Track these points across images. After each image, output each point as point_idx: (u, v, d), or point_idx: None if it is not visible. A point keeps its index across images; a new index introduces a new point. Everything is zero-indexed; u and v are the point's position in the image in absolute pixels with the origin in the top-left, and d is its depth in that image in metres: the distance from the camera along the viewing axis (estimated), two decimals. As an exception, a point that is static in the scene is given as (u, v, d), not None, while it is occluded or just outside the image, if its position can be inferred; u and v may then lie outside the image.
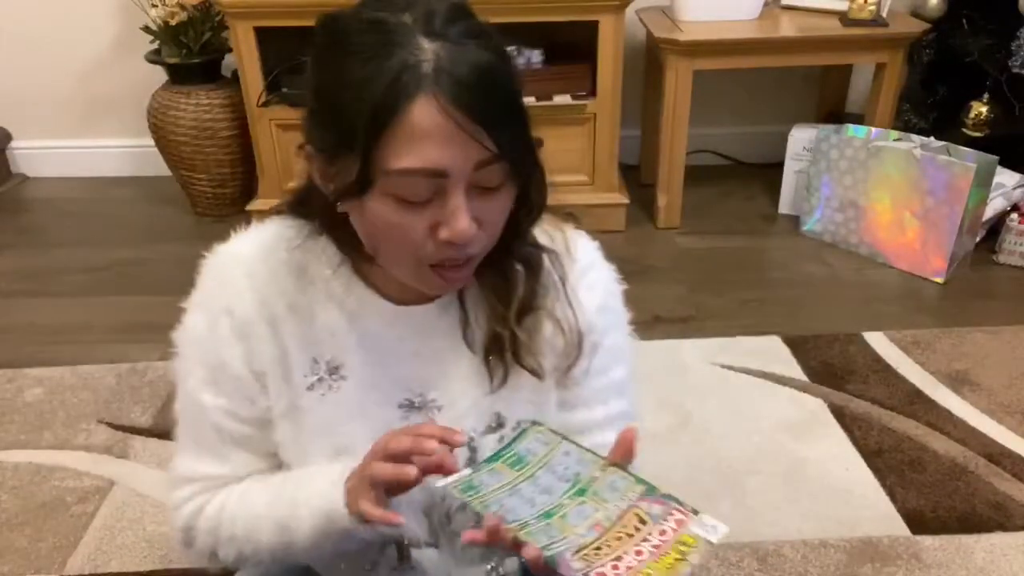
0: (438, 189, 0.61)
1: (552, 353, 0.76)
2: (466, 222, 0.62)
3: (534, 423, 0.72)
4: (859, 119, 2.37)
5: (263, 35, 2.18)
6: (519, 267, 0.73)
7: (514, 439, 0.71)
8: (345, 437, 0.73)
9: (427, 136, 0.59)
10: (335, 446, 0.73)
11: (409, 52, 0.58)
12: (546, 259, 0.75)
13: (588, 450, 0.69)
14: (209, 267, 0.75)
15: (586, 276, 0.78)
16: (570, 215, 0.80)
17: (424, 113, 0.58)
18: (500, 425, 0.76)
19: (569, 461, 0.68)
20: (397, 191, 0.61)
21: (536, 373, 0.74)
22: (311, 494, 0.71)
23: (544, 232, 0.76)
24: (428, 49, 0.58)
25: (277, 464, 0.77)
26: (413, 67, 0.58)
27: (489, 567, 0.84)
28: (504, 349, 0.73)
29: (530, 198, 0.69)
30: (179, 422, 0.80)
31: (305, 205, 0.72)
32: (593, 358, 0.79)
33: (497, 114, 0.60)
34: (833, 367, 1.77)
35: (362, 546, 0.75)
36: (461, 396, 0.75)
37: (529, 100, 2.22)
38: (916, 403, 1.65)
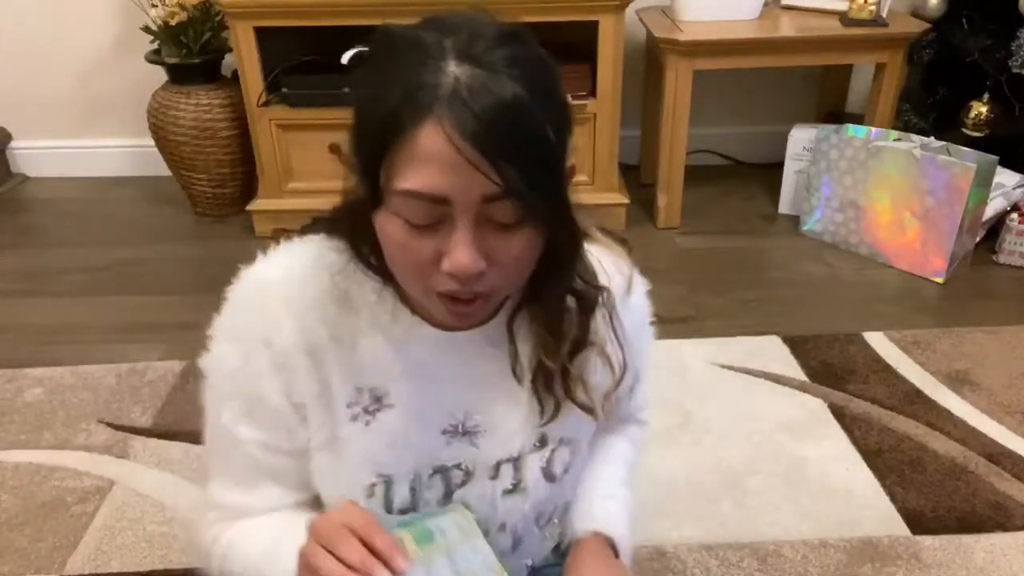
0: (444, 216, 0.59)
1: (599, 389, 0.76)
2: (467, 256, 0.59)
3: (465, 506, 0.72)
4: (859, 119, 2.38)
5: (263, 35, 2.18)
6: (571, 303, 0.71)
7: (436, 513, 0.70)
8: (386, 466, 0.72)
9: (430, 160, 0.57)
10: (376, 473, 0.72)
11: (432, 73, 0.56)
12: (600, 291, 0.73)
13: (498, 559, 0.68)
14: (240, 294, 0.71)
15: (629, 305, 0.79)
16: (624, 241, 0.80)
17: (429, 137, 0.56)
18: (543, 444, 0.76)
19: (474, 561, 0.66)
20: (402, 212, 0.59)
21: (589, 410, 0.74)
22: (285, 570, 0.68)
23: (606, 260, 0.76)
24: (452, 73, 0.56)
25: (309, 495, 0.76)
26: (430, 88, 0.56)
27: None
28: (554, 383, 0.72)
29: (558, 247, 0.65)
30: (210, 451, 0.77)
31: (343, 223, 0.68)
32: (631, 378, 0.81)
33: (510, 149, 0.56)
34: (833, 367, 1.77)
35: None
36: (505, 420, 0.74)
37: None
38: (916, 403, 1.65)
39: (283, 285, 0.69)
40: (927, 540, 1.34)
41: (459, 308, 0.63)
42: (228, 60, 2.40)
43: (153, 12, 2.28)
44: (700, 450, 1.53)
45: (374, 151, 0.59)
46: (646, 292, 0.82)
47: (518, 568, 0.82)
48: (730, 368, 1.77)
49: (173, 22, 2.26)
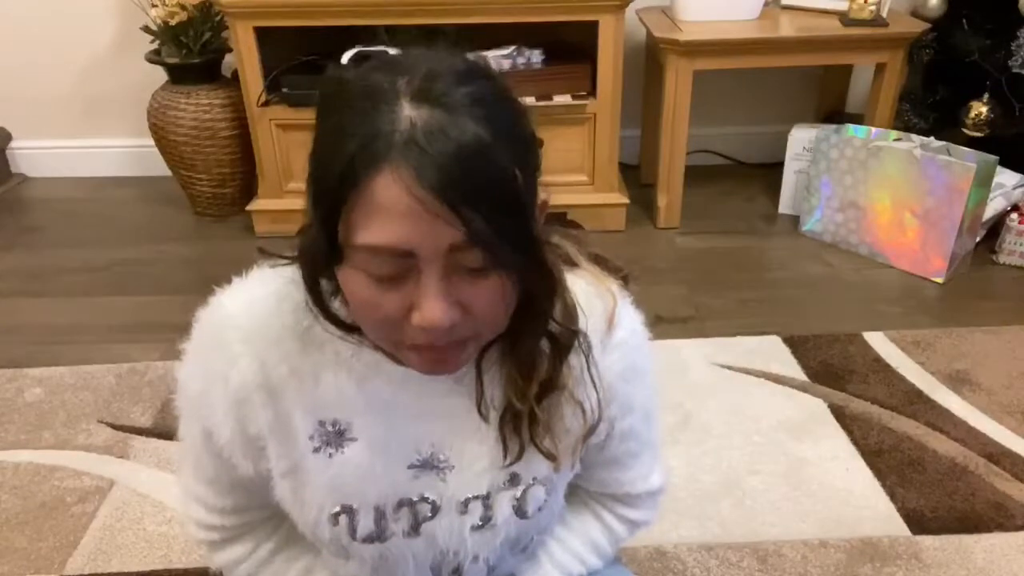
0: (410, 268, 0.56)
1: (570, 434, 0.72)
2: (439, 309, 0.56)
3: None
4: (859, 119, 2.37)
5: (263, 35, 2.18)
6: (544, 344, 0.67)
7: None
8: (352, 498, 0.71)
9: (389, 213, 0.53)
10: (339, 504, 0.71)
11: (386, 119, 0.53)
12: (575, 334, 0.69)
13: None
14: (205, 324, 0.69)
15: (612, 342, 0.72)
16: (620, 270, 0.75)
17: (387, 188, 0.53)
18: (515, 483, 0.73)
19: None
20: (365, 267, 0.57)
21: (551, 458, 0.71)
22: None
23: (588, 296, 0.70)
24: (407, 117, 0.53)
25: (277, 509, 0.76)
26: (385, 136, 0.53)
27: None
28: (521, 425, 0.69)
29: (533, 290, 0.62)
30: (181, 449, 0.77)
31: (304, 271, 0.65)
32: (621, 422, 0.76)
33: (472, 195, 0.53)
34: (833, 367, 1.77)
35: None
36: (476, 459, 0.72)
37: (528, 100, 2.23)
38: (916, 403, 1.65)
39: (244, 321, 0.67)
40: (927, 540, 1.34)
41: (434, 356, 0.61)
42: (228, 60, 2.40)
43: (153, 12, 2.28)
44: (700, 450, 1.53)
45: (330, 206, 0.56)
46: (639, 332, 0.75)
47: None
48: (730, 368, 1.77)
49: (173, 22, 2.25)
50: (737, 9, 2.31)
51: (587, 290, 0.71)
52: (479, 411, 0.69)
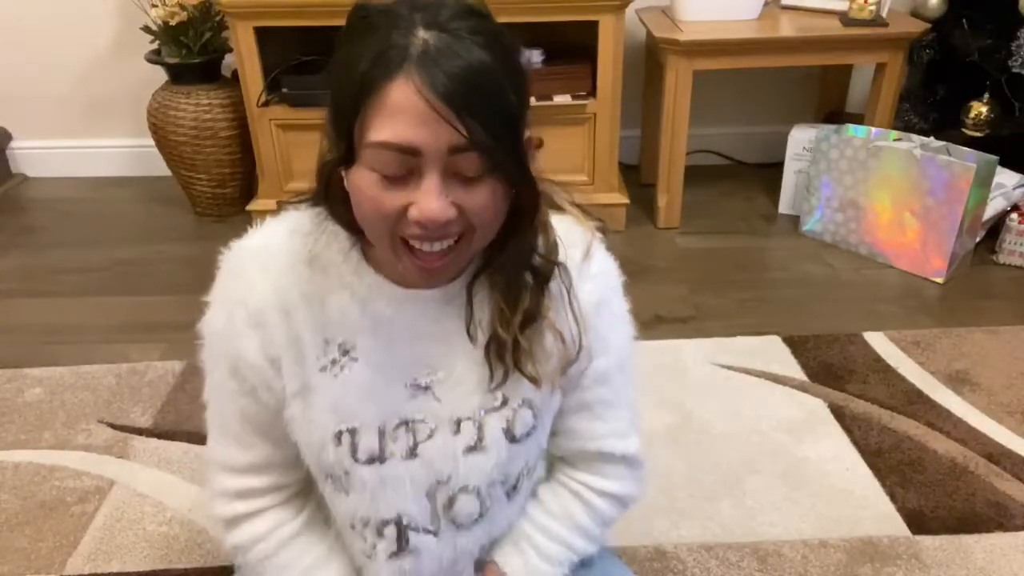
0: (414, 169, 0.63)
1: (551, 360, 0.78)
2: (435, 203, 0.63)
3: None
4: (859, 119, 2.37)
5: (263, 35, 2.18)
6: (528, 276, 0.74)
7: None
8: (353, 416, 0.77)
9: (401, 113, 0.61)
10: (343, 424, 0.77)
11: (402, 37, 0.62)
12: (557, 268, 0.76)
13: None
14: (225, 262, 0.78)
15: (587, 273, 0.79)
16: (601, 222, 0.82)
17: (401, 91, 0.61)
18: (504, 404, 0.79)
19: None
20: (374, 165, 0.64)
21: (534, 380, 0.77)
22: None
23: (569, 231, 0.78)
24: (421, 38, 0.61)
25: (296, 452, 0.81)
26: (401, 49, 0.61)
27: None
28: (505, 352, 0.76)
29: (520, 207, 0.70)
30: (208, 409, 0.83)
31: (319, 192, 0.74)
32: (594, 363, 0.81)
33: (475, 105, 0.61)
34: (833, 367, 1.77)
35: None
36: (466, 377, 0.78)
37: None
38: (916, 403, 1.65)
39: (260, 251, 0.77)
40: (927, 540, 1.34)
41: (428, 259, 0.67)
42: (228, 60, 2.40)
43: (153, 12, 2.28)
44: (700, 450, 1.53)
45: (349, 110, 0.64)
46: (612, 272, 0.82)
47: (472, 546, 0.84)
48: (730, 368, 1.77)
49: (173, 22, 2.25)
50: (737, 9, 2.31)
51: (568, 227, 0.78)
52: (468, 332, 0.76)
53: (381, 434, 0.77)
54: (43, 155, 2.83)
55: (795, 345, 1.84)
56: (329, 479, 0.80)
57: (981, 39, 2.22)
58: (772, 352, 1.82)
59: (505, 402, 0.78)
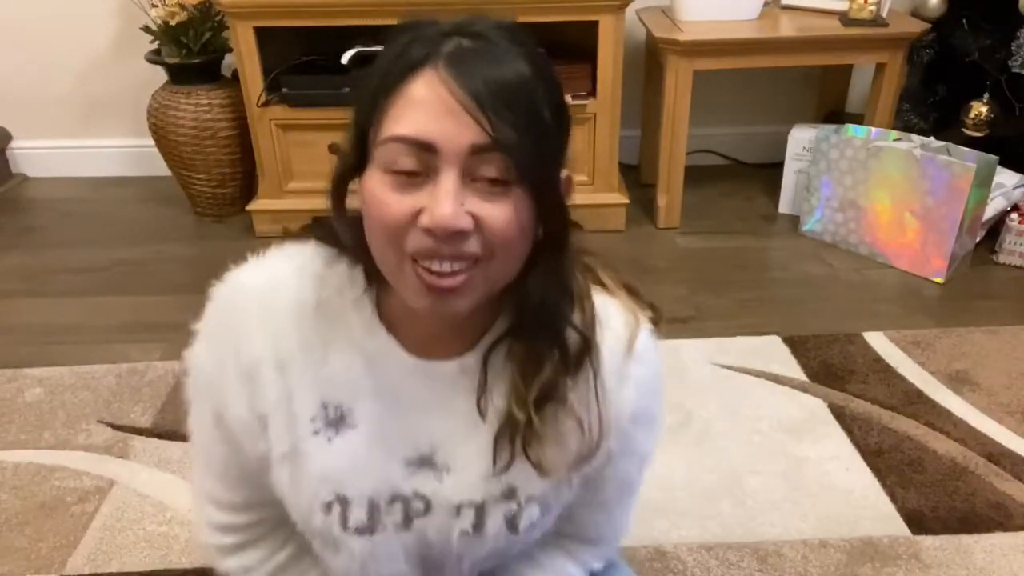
0: (429, 169, 0.57)
1: (565, 451, 0.70)
2: (450, 207, 0.56)
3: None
4: (859, 119, 2.38)
5: (263, 35, 2.18)
6: (554, 350, 0.66)
7: None
8: (347, 488, 0.70)
9: (422, 105, 0.56)
10: (334, 493, 0.70)
11: (438, 38, 0.58)
12: (588, 346, 0.68)
13: None
14: (220, 296, 0.70)
15: (630, 376, 0.70)
16: (653, 307, 0.73)
17: (425, 84, 0.57)
18: (511, 496, 0.72)
19: None
20: (386, 163, 0.58)
21: (541, 470, 0.69)
22: None
23: (609, 313, 0.70)
24: (456, 39, 0.58)
25: (281, 509, 0.76)
26: (432, 47, 0.57)
27: None
28: (516, 432, 0.68)
29: (551, 230, 0.62)
30: (192, 442, 0.77)
31: (328, 227, 0.67)
32: (617, 463, 0.75)
33: (505, 105, 0.56)
34: (833, 367, 1.77)
35: None
36: (473, 463, 0.70)
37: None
38: (916, 403, 1.65)
39: (261, 292, 0.68)
40: (927, 540, 1.33)
41: (436, 278, 0.59)
42: (228, 60, 2.40)
43: (153, 12, 2.28)
44: (700, 450, 1.53)
45: (366, 110, 0.59)
46: (657, 375, 0.73)
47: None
48: (730, 368, 1.77)
49: (173, 22, 2.25)
50: (737, 9, 2.31)
51: (610, 309, 0.70)
52: (478, 405, 0.68)
53: (374, 507, 0.71)
54: (43, 155, 2.83)
55: (795, 345, 1.84)
56: (318, 538, 0.74)
57: (981, 39, 2.22)
58: (772, 352, 1.82)
59: (512, 494, 0.71)
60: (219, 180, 2.46)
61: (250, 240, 2.35)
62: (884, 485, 1.45)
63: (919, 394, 1.68)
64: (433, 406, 0.70)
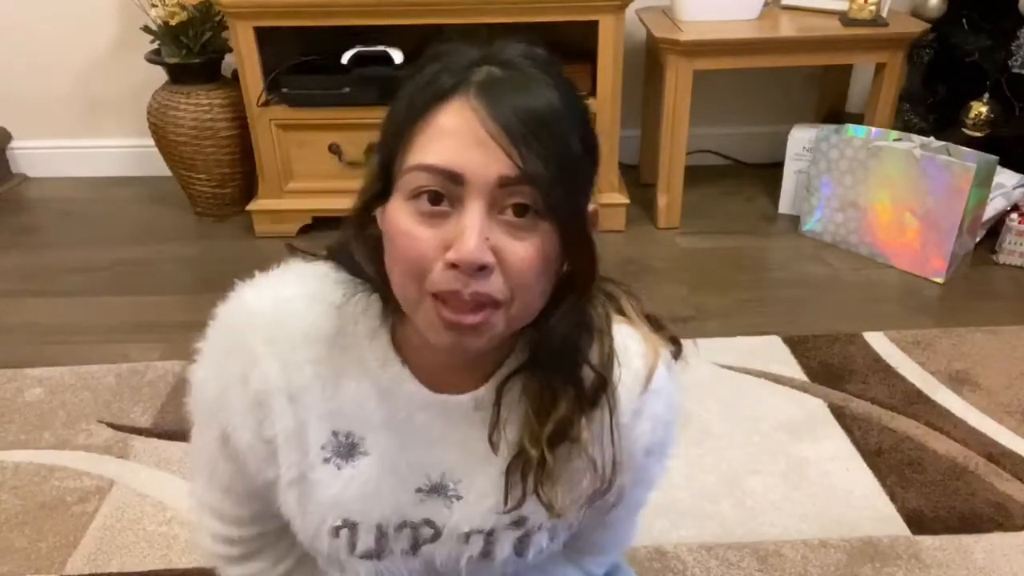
0: (455, 201, 0.56)
1: (577, 490, 0.70)
2: (476, 243, 0.54)
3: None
4: (859, 119, 2.37)
5: (263, 35, 2.18)
6: (569, 387, 0.65)
7: None
8: (355, 514, 0.70)
9: (451, 135, 0.55)
10: (343, 520, 0.70)
11: (468, 67, 0.57)
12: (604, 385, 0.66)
13: None
14: (225, 321, 0.68)
15: (645, 411, 0.70)
16: (675, 339, 0.73)
17: (454, 113, 0.56)
18: (521, 525, 0.71)
19: None
20: (411, 194, 0.57)
21: (550, 509, 0.68)
22: None
23: (627, 345, 0.68)
24: (486, 68, 0.57)
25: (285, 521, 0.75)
26: (463, 75, 0.57)
27: None
28: (529, 469, 0.67)
29: (577, 267, 0.61)
30: (192, 453, 0.75)
31: (346, 250, 0.66)
32: (627, 495, 0.74)
33: (535, 138, 0.55)
34: (833, 367, 1.77)
35: None
36: (485, 495, 0.70)
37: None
38: (916, 403, 1.65)
39: (271, 319, 0.66)
40: (927, 540, 1.33)
41: (457, 315, 0.57)
42: (228, 60, 2.40)
43: (153, 12, 2.28)
44: (700, 450, 1.53)
45: (394, 137, 0.58)
46: (673, 410, 0.72)
47: None
48: (730, 368, 1.77)
49: (173, 22, 2.25)
50: (737, 9, 2.31)
51: (630, 344, 0.69)
52: (490, 439, 0.67)
53: (382, 533, 0.71)
54: (43, 155, 2.83)
55: (795, 345, 1.84)
56: (324, 558, 0.74)
57: (981, 39, 2.22)
58: (772, 352, 1.82)
59: (522, 522, 0.71)
60: (219, 180, 2.45)
61: (250, 240, 2.35)
62: (884, 485, 1.45)
63: (919, 394, 1.68)
64: (446, 438, 0.69)
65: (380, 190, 0.60)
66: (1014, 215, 2.17)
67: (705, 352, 1.81)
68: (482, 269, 0.55)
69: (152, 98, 2.42)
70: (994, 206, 2.20)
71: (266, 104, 2.25)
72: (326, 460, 0.68)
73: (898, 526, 1.36)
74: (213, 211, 2.51)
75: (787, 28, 2.31)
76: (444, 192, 0.56)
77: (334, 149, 2.26)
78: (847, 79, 2.71)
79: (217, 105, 2.37)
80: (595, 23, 2.16)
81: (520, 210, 0.56)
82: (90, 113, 2.78)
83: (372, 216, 0.62)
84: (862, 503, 1.41)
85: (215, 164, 2.42)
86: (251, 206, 2.36)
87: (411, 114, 0.57)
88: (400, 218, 0.57)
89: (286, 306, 0.66)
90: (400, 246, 0.58)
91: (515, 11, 2.08)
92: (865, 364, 1.78)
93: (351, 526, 0.70)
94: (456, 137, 0.55)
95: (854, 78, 2.70)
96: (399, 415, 0.68)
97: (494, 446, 0.68)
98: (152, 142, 2.48)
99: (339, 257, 0.67)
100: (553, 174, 0.55)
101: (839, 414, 1.63)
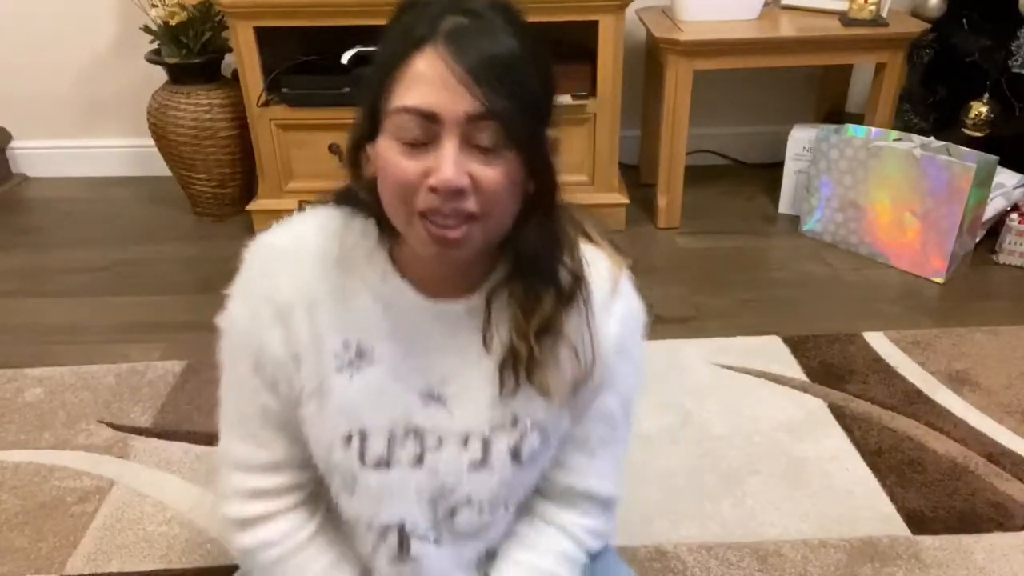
0: (433, 136, 0.65)
1: (564, 375, 0.78)
2: (452, 170, 0.65)
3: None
4: (859, 119, 2.38)
5: (263, 35, 2.18)
6: (550, 289, 0.75)
7: None
8: (364, 418, 0.77)
9: (425, 80, 0.65)
10: (353, 426, 0.77)
11: (436, 18, 0.65)
12: (579, 282, 0.77)
13: None
14: (250, 257, 0.79)
15: (615, 311, 0.79)
16: (630, 259, 0.82)
17: (426, 61, 0.65)
18: (514, 425, 0.79)
19: None
20: (396, 132, 0.66)
21: (543, 392, 0.77)
22: None
23: (597, 261, 0.79)
24: (453, 20, 0.65)
25: (313, 482, 0.82)
26: (432, 26, 0.65)
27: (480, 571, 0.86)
28: (520, 362, 0.76)
29: (540, 186, 0.72)
30: (224, 406, 0.83)
31: (347, 192, 0.77)
32: (601, 398, 0.82)
33: (497, 79, 0.64)
34: (833, 367, 1.77)
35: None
36: (478, 392, 0.78)
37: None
38: (916, 403, 1.65)
39: (288, 249, 0.77)
40: (927, 540, 1.34)
41: (441, 230, 0.67)
42: (228, 60, 2.40)
43: (153, 12, 2.28)
44: (700, 450, 1.53)
45: (376, 85, 0.68)
46: (638, 312, 0.82)
47: (471, 559, 0.85)
48: (730, 368, 1.77)
49: (173, 22, 2.26)
50: (737, 9, 2.31)
51: (596, 256, 0.79)
52: (484, 342, 0.77)
53: (390, 440, 0.78)
54: (43, 155, 2.83)
55: (795, 345, 1.84)
56: (338, 475, 0.80)
57: (981, 39, 2.22)
58: (772, 352, 1.82)
59: (515, 422, 0.79)
60: (219, 180, 2.46)
61: (250, 240, 2.34)
62: (884, 485, 1.45)
63: (919, 394, 1.68)
64: (444, 346, 0.78)
65: (369, 130, 0.70)
66: (1014, 215, 2.17)
67: (705, 352, 1.82)
68: (459, 192, 0.66)
69: (152, 98, 2.42)
70: (994, 206, 2.20)
71: (266, 104, 2.25)
72: (339, 369, 0.76)
73: (898, 526, 1.36)
74: (213, 211, 2.51)
75: (787, 28, 2.31)
76: (424, 129, 0.65)
77: (334, 149, 2.26)
78: (847, 79, 2.71)
79: (217, 105, 2.37)
80: (595, 23, 2.16)
81: (488, 141, 0.66)
82: (90, 113, 2.78)
83: (363, 154, 0.72)
84: (862, 503, 1.41)
85: (215, 164, 2.42)
86: (251, 206, 2.36)
87: (390, 62, 0.66)
88: (388, 153, 0.67)
89: (299, 238, 0.78)
90: (390, 175, 0.68)
91: (515, 11, 2.08)
92: (865, 364, 1.78)
93: (361, 434, 0.77)
94: (429, 81, 0.64)
95: (854, 78, 2.70)
96: (402, 324, 0.77)
97: (487, 345, 0.77)
98: (152, 142, 2.48)
99: (341, 199, 0.79)
100: (514, 110, 0.65)
101: (839, 414, 1.63)
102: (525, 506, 0.88)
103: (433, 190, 0.66)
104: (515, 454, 0.79)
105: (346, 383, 0.76)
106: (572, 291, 0.76)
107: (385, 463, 0.78)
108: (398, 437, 0.78)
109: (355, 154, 0.73)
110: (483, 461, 0.79)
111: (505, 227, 0.71)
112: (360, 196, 0.75)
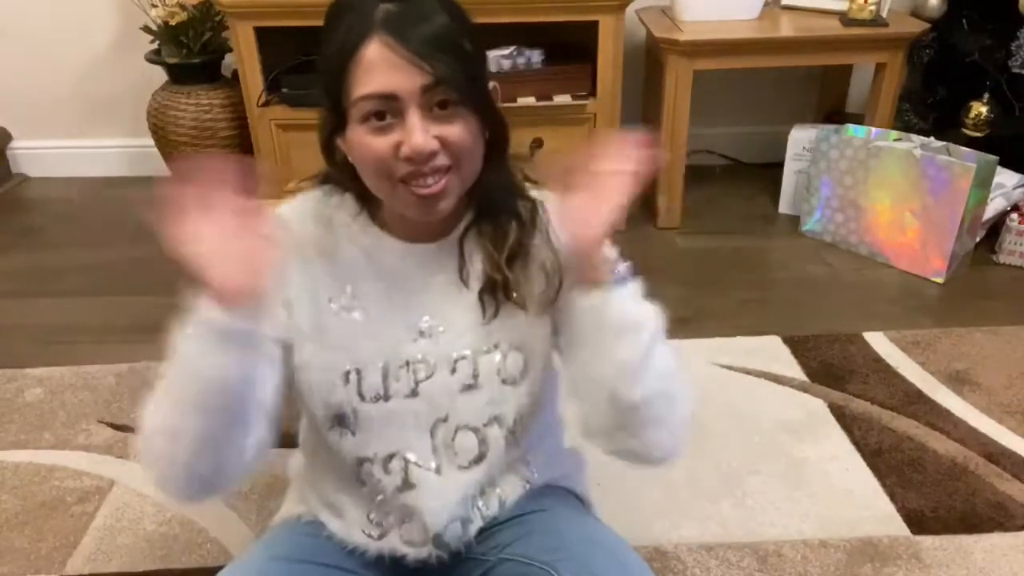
0: (396, 113, 0.74)
1: (537, 288, 0.87)
2: (420, 137, 0.74)
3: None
4: (859, 119, 2.38)
5: (263, 35, 2.18)
6: (512, 223, 0.86)
7: None
8: (360, 355, 0.85)
9: (376, 67, 0.73)
10: (351, 362, 0.85)
11: (368, 11, 0.74)
12: (536, 208, 0.88)
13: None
14: None
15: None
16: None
17: (373, 50, 0.73)
18: (496, 348, 0.87)
19: None
20: (362, 118, 0.75)
21: (521, 306, 0.86)
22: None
23: (546, 194, 0.89)
24: (381, 7, 0.74)
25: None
26: (368, 18, 0.73)
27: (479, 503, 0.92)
28: (497, 288, 0.86)
29: (494, 132, 0.81)
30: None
31: (329, 175, 0.89)
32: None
33: (437, 48, 0.73)
34: (833, 367, 1.77)
35: (246, 355, 0.78)
36: (460, 322, 0.87)
37: (529, 100, 2.23)
38: (916, 403, 1.65)
39: (281, 215, 0.88)
40: (927, 540, 1.34)
41: (423, 190, 0.76)
42: (228, 60, 2.40)
43: (153, 12, 2.28)
44: (700, 450, 1.53)
45: (334, 83, 0.76)
46: None
47: (468, 486, 0.89)
48: (730, 368, 1.77)
49: (173, 22, 2.26)
50: (737, 9, 2.31)
51: (544, 193, 0.89)
52: (460, 277, 0.86)
53: (385, 374, 0.85)
54: (43, 155, 2.83)
55: (795, 345, 1.84)
56: (336, 424, 0.87)
57: (981, 39, 2.22)
58: (772, 352, 1.82)
59: (496, 345, 0.87)
60: (219, 180, 2.45)
61: (250, 240, 2.34)
62: (884, 485, 1.45)
63: (919, 394, 1.68)
64: (424, 282, 0.87)
65: (336, 123, 0.79)
66: (1014, 215, 2.17)
67: (705, 352, 1.82)
68: (432, 154, 0.75)
69: (152, 98, 2.42)
70: (994, 206, 2.20)
71: (266, 104, 2.25)
72: (335, 312, 0.86)
73: (898, 526, 1.36)
74: (213, 211, 2.51)
75: (787, 28, 2.31)
76: (386, 109, 0.74)
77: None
78: (847, 79, 2.71)
79: (217, 105, 2.37)
80: (595, 23, 2.16)
81: (443, 105, 0.75)
82: (90, 113, 2.78)
83: (335, 145, 0.81)
84: (862, 503, 1.41)
85: (215, 164, 2.42)
86: (251, 206, 2.36)
87: (341, 60, 0.75)
88: (360, 137, 0.76)
89: (294, 207, 0.90)
90: (365, 156, 0.77)
91: (515, 11, 2.08)
92: (865, 364, 1.78)
93: (358, 371, 0.85)
94: (380, 67, 0.73)
95: (854, 78, 2.70)
96: (384, 267, 0.87)
97: (465, 283, 0.87)
98: (152, 142, 2.48)
99: (324, 179, 0.90)
100: (459, 74, 0.74)
101: (839, 414, 1.63)
102: (527, 441, 0.92)
103: (408, 159, 0.75)
104: (501, 373, 0.87)
105: (341, 322, 0.85)
106: (533, 217, 0.86)
107: (383, 397, 0.85)
108: (392, 370, 0.85)
109: (329, 147, 0.83)
110: (472, 382, 0.86)
111: (476, 172, 0.81)
112: (339, 178, 0.86)
